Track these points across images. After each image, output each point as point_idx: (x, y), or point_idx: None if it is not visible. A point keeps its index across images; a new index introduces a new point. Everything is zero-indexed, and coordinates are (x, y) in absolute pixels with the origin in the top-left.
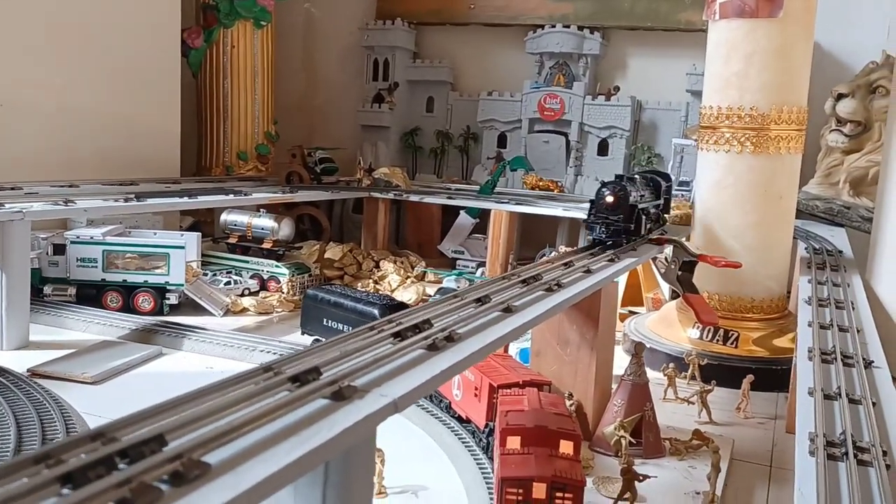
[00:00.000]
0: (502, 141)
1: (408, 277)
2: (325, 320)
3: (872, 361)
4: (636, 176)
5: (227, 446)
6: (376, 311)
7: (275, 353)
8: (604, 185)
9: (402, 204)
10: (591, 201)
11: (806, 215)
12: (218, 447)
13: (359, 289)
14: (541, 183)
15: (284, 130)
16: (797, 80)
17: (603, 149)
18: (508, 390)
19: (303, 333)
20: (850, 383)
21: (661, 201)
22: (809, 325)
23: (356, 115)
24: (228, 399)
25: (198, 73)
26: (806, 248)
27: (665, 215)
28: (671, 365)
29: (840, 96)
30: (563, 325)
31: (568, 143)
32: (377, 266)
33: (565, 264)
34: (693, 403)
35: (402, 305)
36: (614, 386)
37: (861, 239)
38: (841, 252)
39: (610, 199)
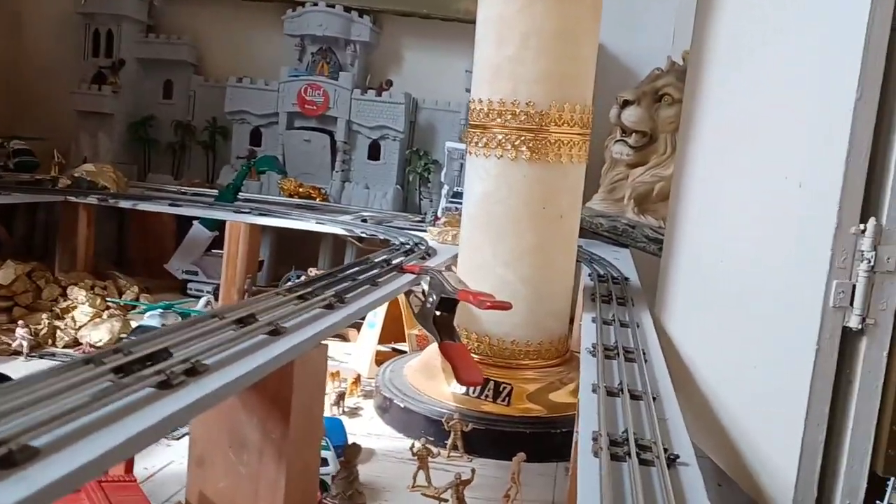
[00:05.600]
0: (256, 137)
1: (106, 309)
2: None
3: (677, 456)
4: None
5: None
6: None
7: None
8: None
9: (126, 212)
10: None
11: (590, 234)
12: None
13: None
14: (301, 189)
15: None
16: (581, 71)
17: (374, 152)
18: None
19: None
20: (648, 491)
21: None
22: (594, 391)
23: (71, 97)
24: None
25: None
26: (590, 275)
27: None
28: (425, 440)
29: (626, 103)
30: (237, 416)
31: (333, 143)
32: (64, 294)
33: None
34: (446, 501)
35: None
36: None
37: (647, 261)
38: (627, 279)
39: None
